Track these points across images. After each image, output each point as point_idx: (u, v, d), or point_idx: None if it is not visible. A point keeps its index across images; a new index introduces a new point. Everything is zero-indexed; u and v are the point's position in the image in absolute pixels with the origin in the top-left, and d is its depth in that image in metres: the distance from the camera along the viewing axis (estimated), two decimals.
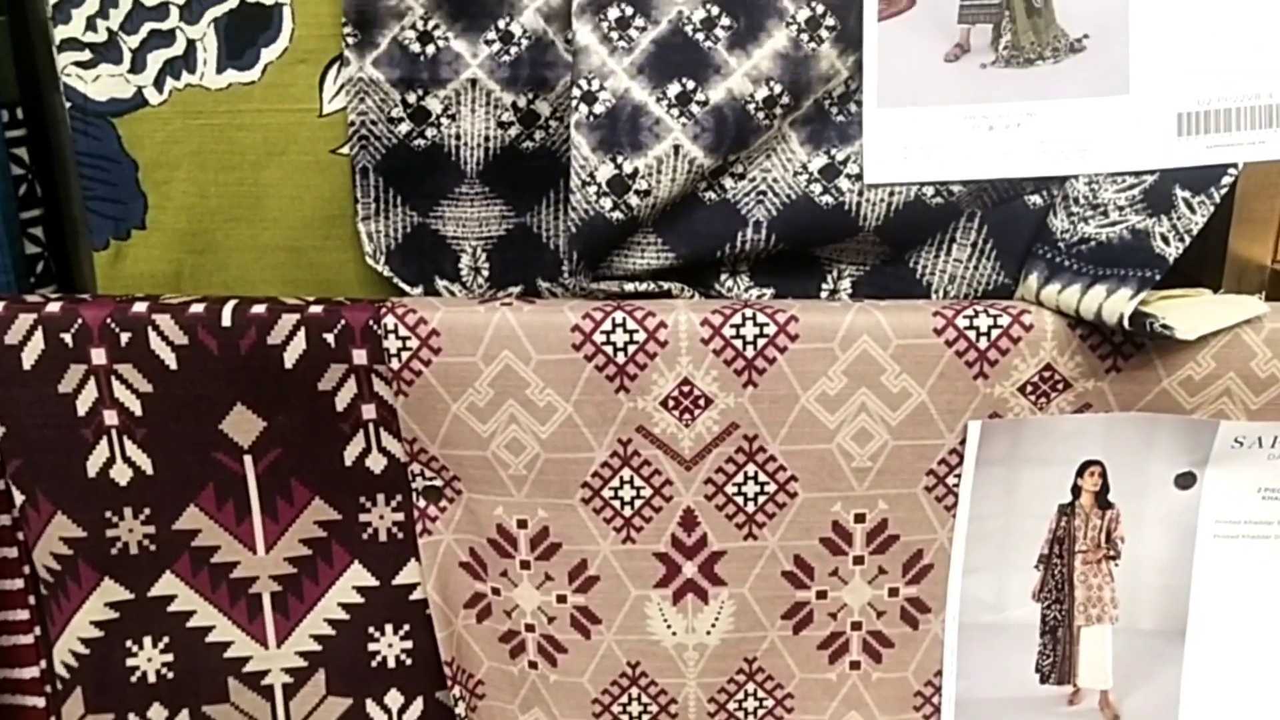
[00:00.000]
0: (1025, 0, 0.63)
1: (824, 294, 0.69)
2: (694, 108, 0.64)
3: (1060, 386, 0.64)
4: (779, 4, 0.63)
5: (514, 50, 0.66)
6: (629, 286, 0.67)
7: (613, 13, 0.64)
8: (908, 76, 0.64)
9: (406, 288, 0.69)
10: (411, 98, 0.66)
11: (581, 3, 0.63)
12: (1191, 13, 0.61)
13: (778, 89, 0.64)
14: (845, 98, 0.66)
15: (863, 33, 0.63)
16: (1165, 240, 0.60)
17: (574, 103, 0.64)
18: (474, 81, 0.66)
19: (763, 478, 0.65)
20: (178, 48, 0.64)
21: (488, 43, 0.65)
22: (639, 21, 0.64)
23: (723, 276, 0.69)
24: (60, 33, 0.64)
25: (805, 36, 0.64)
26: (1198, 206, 0.60)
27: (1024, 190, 0.66)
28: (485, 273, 0.70)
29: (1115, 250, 0.62)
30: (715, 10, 0.64)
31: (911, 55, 0.64)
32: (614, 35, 0.64)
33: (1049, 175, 0.64)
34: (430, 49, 0.65)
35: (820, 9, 0.63)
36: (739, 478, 0.66)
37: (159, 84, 0.64)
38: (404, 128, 0.66)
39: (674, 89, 0.64)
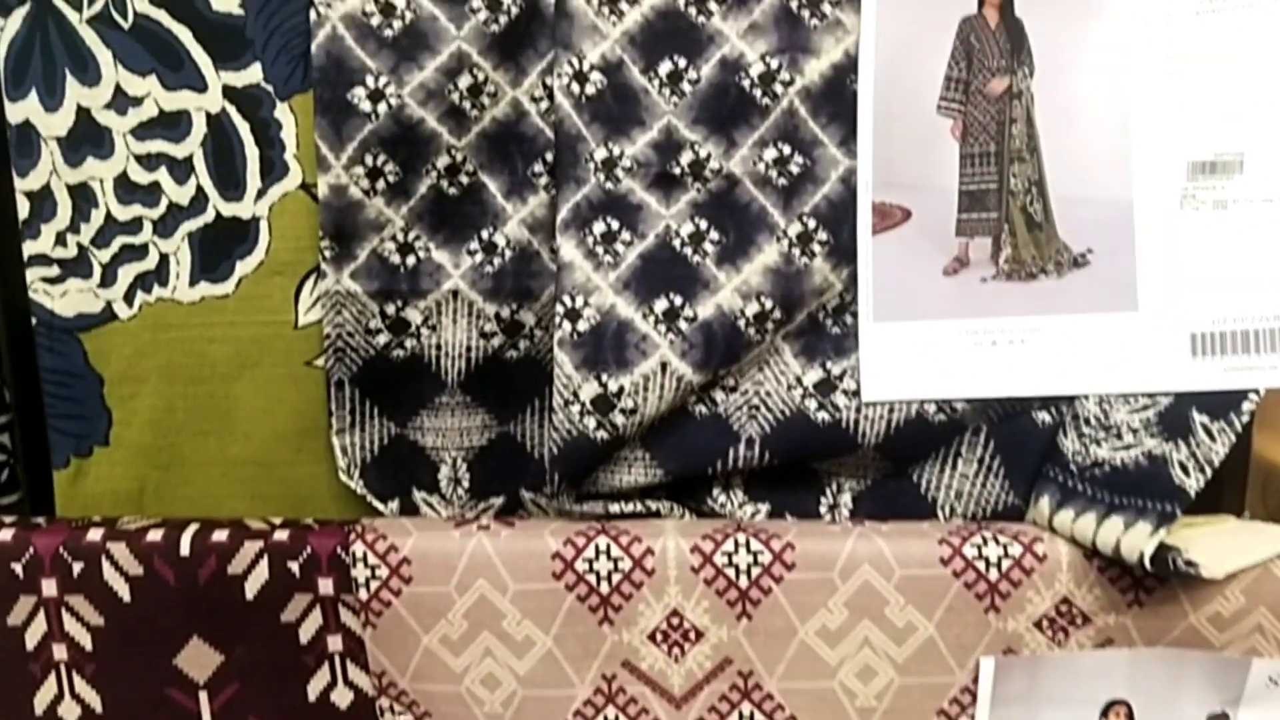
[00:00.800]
0: (1025, 213, 0.61)
1: (823, 508, 0.65)
2: (682, 324, 0.61)
3: (1079, 621, 0.59)
4: (769, 219, 0.61)
5: (497, 261, 0.63)
6: (614, 507, 0.63)
7: (598, 227, 0.62)
8: (904, 290, 0.61)
9: (380, 506, 0.66)
10: (390, 309, 0.63)
11: (566, 217, 0.62)
12: (1201, 227, 0.59)
13: (769, 304, 0.61)
14: (840, 310, 0.63)
15: (856, 246, 0.61)
16: (1185, 470, 0.56)
17: (557, 319, 0.61)
18: (455, 292, 0.64)
19: (759, 717, 0.61)
20: (150, 262, 0.62)
21: (470, 253, 0.63)
22: (625, 236, 0.62)
23: (715, 491, 0.65)
24: (29, 248, 0.62)
25: (797, 251, 0.61)
26: (1218, 434, 0.57)
27: (1031, 407, 0.62)
28: (466, 484, 0.67)
29: (1131, 477, 0.58)
30: (704, 225, 0.62)
31: (908, 269, 0.61)
32: (599, 250, 0.62)
33: (1057, 395, 0.61)
34: (410, 260, 0.63)
35: (812, 224, 0.61)
36: (733, 717, 0.61)
37: (129, 298, 0.62)
38: (382, 339, 0.64)
39: (661, 305, 0.61)
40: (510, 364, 0.65)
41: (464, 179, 0.63)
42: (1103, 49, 0.60)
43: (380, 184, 0.62)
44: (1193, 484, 0.57)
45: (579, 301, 0.61)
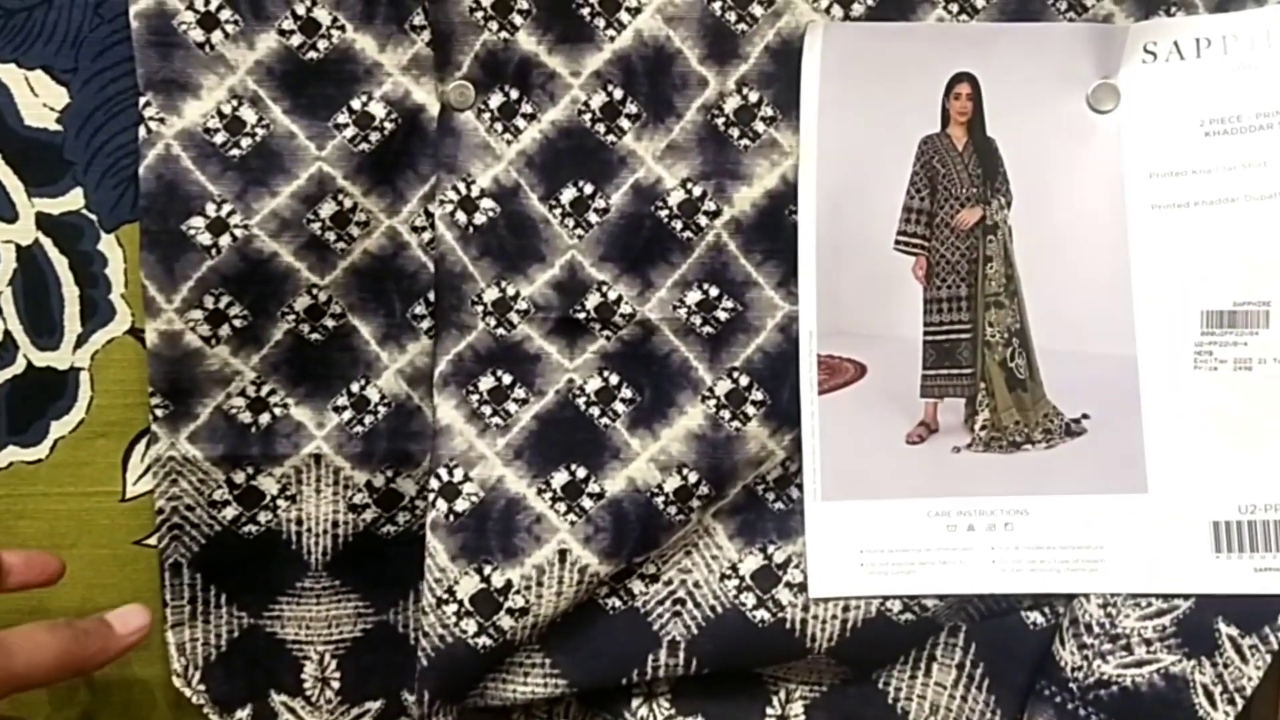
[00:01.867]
0: (1005, 369, 0.51)
1: None
2: (586, 501, 0.50)
3: None
4: (692, 375, 0.51)
5: (369, 420, 0.53)
6: None
7: (485, 383, 0.51)
8: (859, 462, 0.50)
9: (226, 717, 0.54)
10: (239, 477, 0.52)
11: (445, 371, 0.51)
12: (1220, 392, 0.49)
13: (693, 477, 0.50)
14: (784, 481, 0.52)
15: (799, 408, 0.51)
16: (1210, 697, 0.45)
17: (430, 496, 0.50)
18: (319, 457, 0.53)
19: None
20: None
21: (337, 410, 0.53)
22: (518, 393, 0.51)
23: (635, 703, 0.53)
24: None
25: (726, 414, 0.51)
26: (1249, 653, 0.45)
27: (1020, 605, 0.51)
28: (336, 684, 0.55)
29: (1146, 703, 0.46)
30: (614, 381, 0.51)
31: (863, 436, 0.50)
32: (486, 411, 0.51)
33: (1050, 593, 0.50)
34: (264, 418, 0.52)
35: (745, 380, 0.51)
36: None
37: None
38: (230, 512, 0.52)
39: (560, 479, 0.50)
40: (386, 541, 0.54)
41: (329, 323, 0.53)
42: (1094, 174, 0.50)
43: (224, 330, 0.51)
44: (1221, 717, 0.45)
45: (458, 474, 0.50)
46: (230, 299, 0.51)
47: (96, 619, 0.48)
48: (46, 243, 0.51)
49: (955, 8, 0.49)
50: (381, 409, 0.52)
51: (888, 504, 0.50)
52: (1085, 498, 0.49)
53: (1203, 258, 0.49)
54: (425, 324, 0.52)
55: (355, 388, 0.53)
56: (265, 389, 0.52)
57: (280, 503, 0.53)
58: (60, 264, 0.51)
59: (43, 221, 0.51)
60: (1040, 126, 0.50)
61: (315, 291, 0.52)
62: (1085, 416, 0.50)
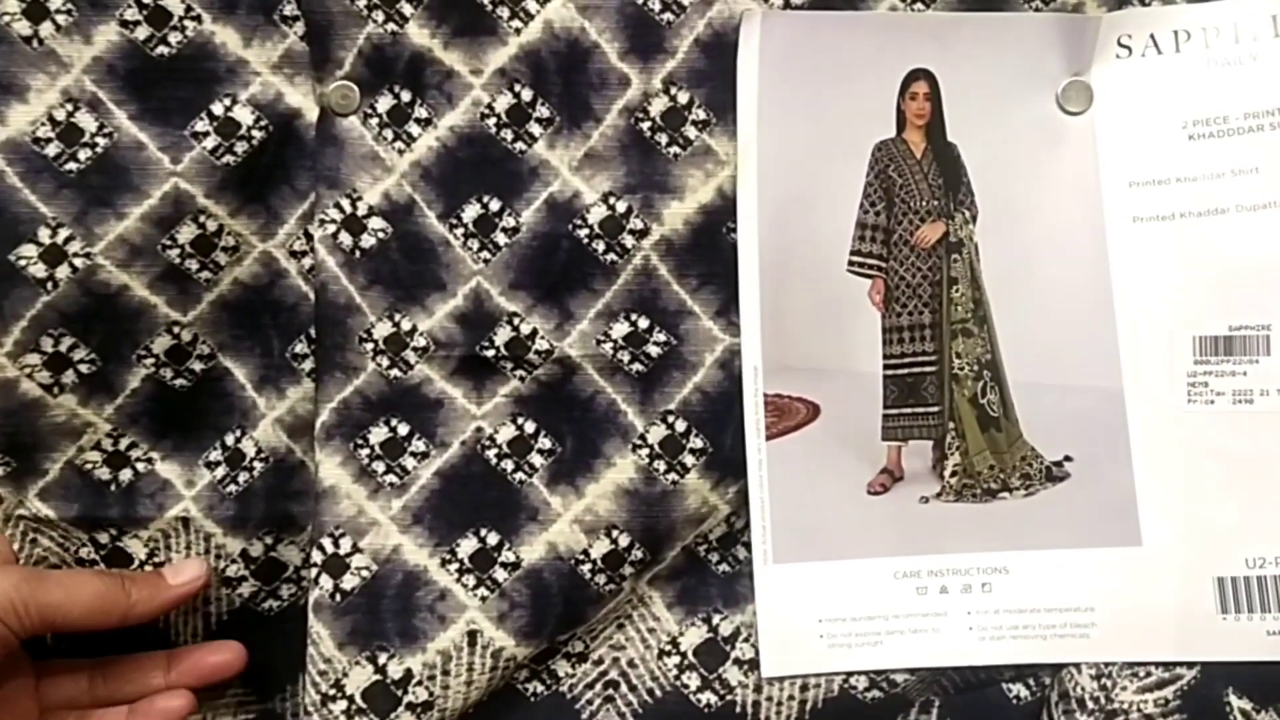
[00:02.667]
0: (976, 406, 0.44)
1: None
2: (499, 573, 0.43)
3: None
4: (621, 420, 0.44)
5: (244, 478, 0.45)
6: None
7: (377, 434, 0.44)
8: (815, 517, 0.43)
9: None
10: (104, 538, 0.45)
11: (329, 421, 0.44)
12: (1218, 428, 0.43)
13: (624, 540, 0.43)
14: (729, 540, 0.45)
15: (744, 456, 0.44)
16: None
17: (314, 572, 0.43)
18: (186, 521, 0.45)
19: None
20: None
21: (209, 465, 0.45)
22: (417, 445, 0.44)
23: None
24: None
25: (661, 465, 0.44)
26: None
27: (1001, 676, 0.45)
28: None
29: None
30: (530, 428, 0.44)
31: (818, 486, 0.43)
32: (377, 467, 0.43)
33: (1035, 663, 0.44)
34: (125, 475, 0.44)
35: (681, 425, 0.44)
36: None
37: None
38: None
39: (468, 546, 0.43)
40: (268, 618, 0.46)
41: (196, 365, 0.45)
42: (1067, 183, 0.44)
43: (68, 377, 0.43)
44: None
45: (345, 544, 0.43)
46: (73, 340, 0.43)
47: (149, 571, 0.45)
48: None
49: None
50: (258, 465, 0.45)
51: (848, 565, 0.43)
52: (1072, 552, 0.43)
53: (1192, 276, 0.43)
54: (308, 365, 0.45)
55: (229, 440, 0.45)
56: (124, 442, 0.44)
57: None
58: None
59: None
60: (1006, 130, 0.44)
61: (177, 330, 0.44)
62: (1068, 459, 0.44)
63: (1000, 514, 0.43)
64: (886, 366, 0.44)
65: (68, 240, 0.42)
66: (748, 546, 0.44)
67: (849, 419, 0.44)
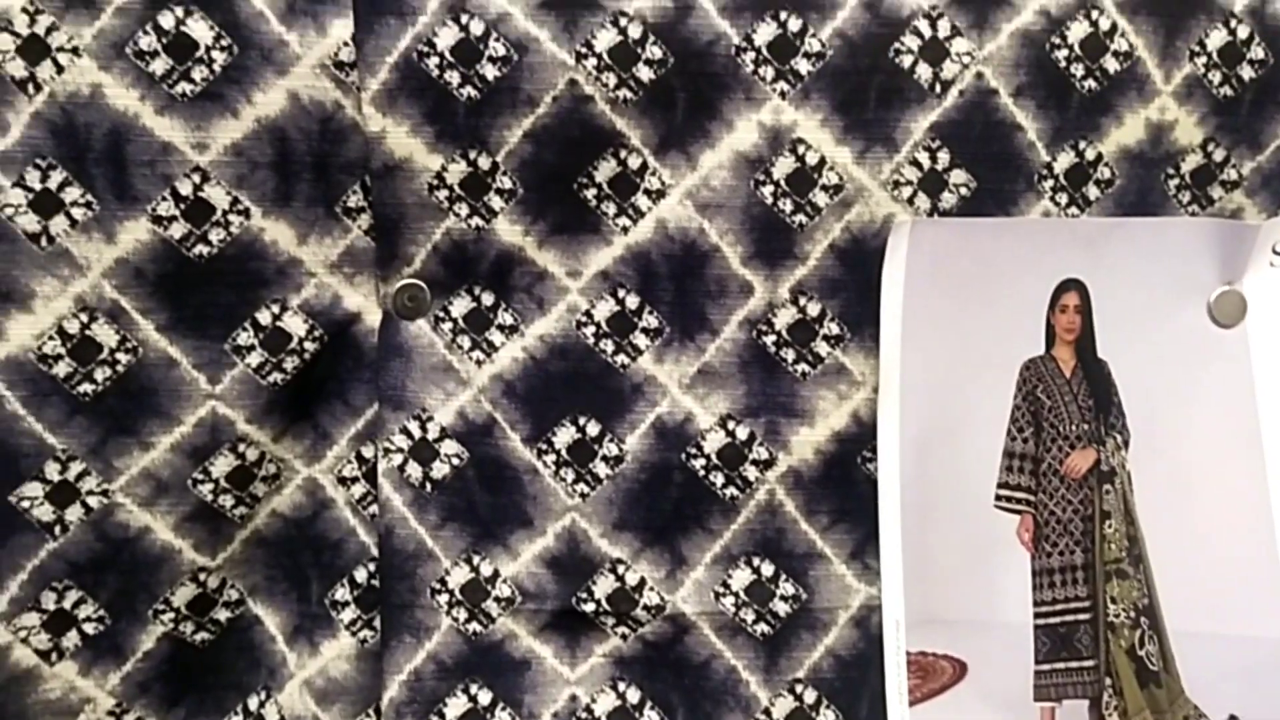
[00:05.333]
0: (1134, 659, 0.39)
1: None
2: None
3: None
4: (741, 692, 0.37)
5: None
6: None
7: (455, 707, 0.36)
8: None
9: None
10: None
11: (399, 698, 0.35)
12: None
13: None
14: None
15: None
16: None
17: None
18: None
19: None
20: None
21: None
22: (502, 717, 0.37)
23: None
24: None
25: None
26: None
27: None
28: None
29: None
30: (634, 696, 0.36)
31: None
32: None
33: None
34: None
35: (811, 696, 0.37)
36: None
37: None
38: None
39: None
40: None
41: (221, 615, 0.37)
42: (1221, 403, 0.39)
43: (70, 639, 0.35)
44: None
45: None
46: (80, 594, 0.35)
47: None
48: None
49: (1064, 198, 0.39)
50: None
51: None
52: None
53: None
54: (348, 614, 0.38)
55: (252, 703, 0.37)
56: (129, 718, 0.36)
57: None
58: None
59: None
60: (1157, 344, 0.40)
61: (204, 577, 0.37)
62: (1234, 718, 0.39)
63: None
64: (1037, 615, 0.39)
65: (80, 476, 0.34)
66: None
67: (998, 678, 0.38)
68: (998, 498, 0.39)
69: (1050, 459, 0.39)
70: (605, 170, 0.37)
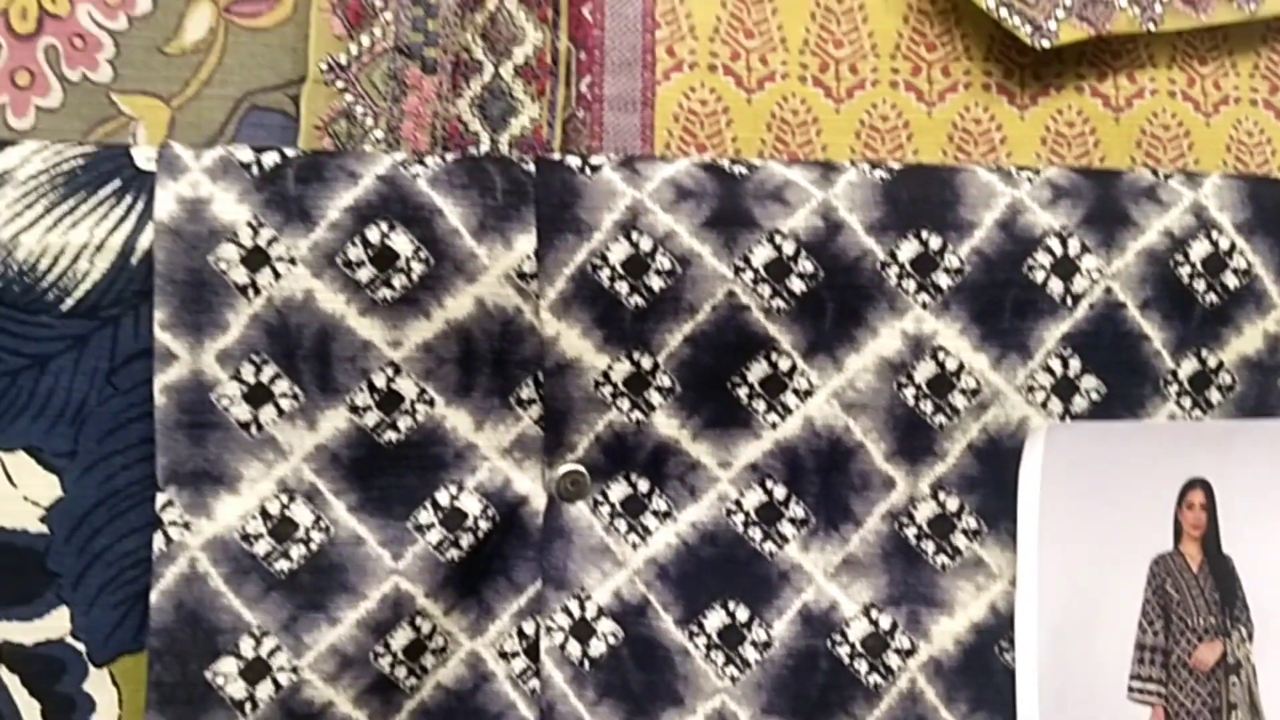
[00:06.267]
0: None
1: None
2: None
3: None
4: None
5: None
6: None
7: None
8: None
9: None
10: None
11: None
12: None
13: None
14: None
15: None
16: None
17: None
18: None
19: None
20: None
21: None
22: None
23: None
24: None
25: None
26: None
27: None
28: None
29: None
30: None
31: None
32: None
33: None
34: None
35: None
36: None
37: None
38: None
39: None
40: None
41: None
42: None
43: None
44: None
45: None
46: None
47: None
48: (11, 681, 0.37)
49: (1188, 402, 0.41)
50: None
51: None
52: None
53: None
54: None
55: None
56: None
57: None
58: (29, 710, 0.38)
59: (10, 654, 0.37)
60: (1277, 541, 0.42)
61: None
62: None
63: None
64: None
65: (273, 652, 0.37)
66: None
67: None
68: (1130, 689, 0.40)
69: (1179, 651, 0.41)
70: (757, 371, 0.40)
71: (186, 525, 0.37)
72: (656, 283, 0.39)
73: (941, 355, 0.40)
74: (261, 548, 0.38)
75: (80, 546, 0.37)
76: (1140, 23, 0.44)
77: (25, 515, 0.37)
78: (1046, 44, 0.44)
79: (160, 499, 0.37)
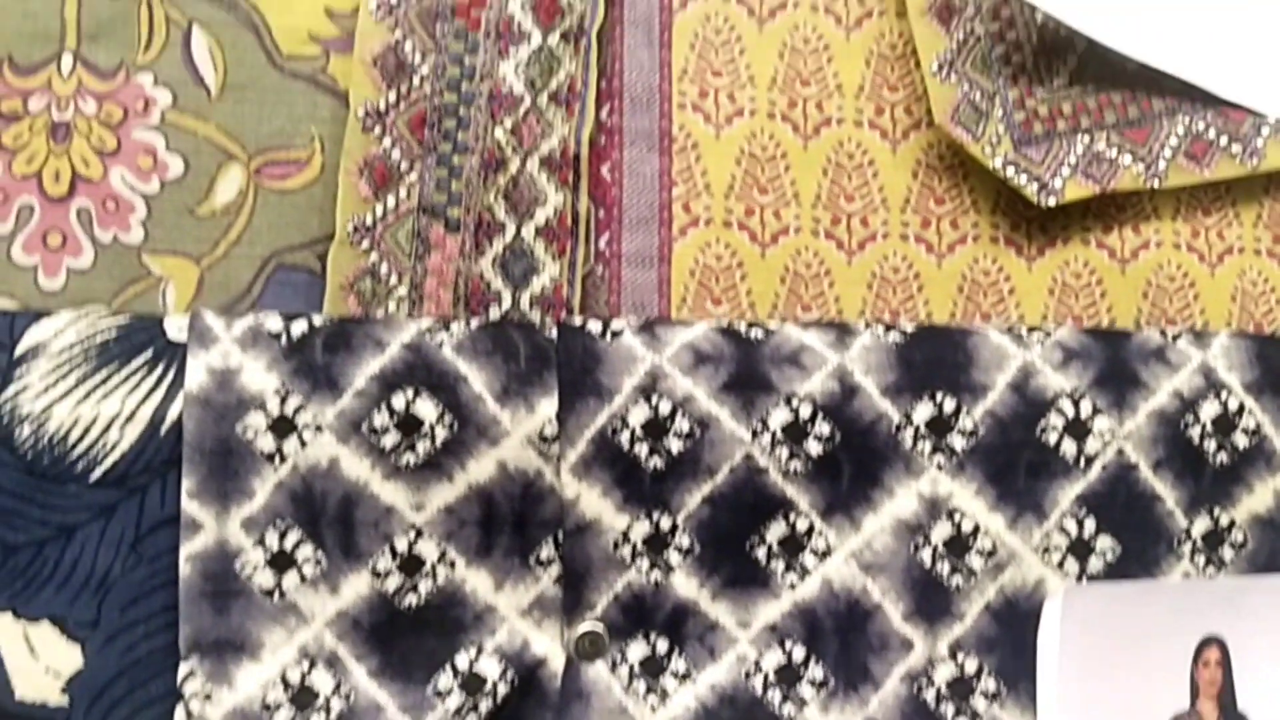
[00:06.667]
0: None
1: None
2: None
3: None
4: None
5: None
6: None
7: None
8: None
9: None
10: None
11: None
12: None
13: None
14: None
15: None
16: None
17: None
18: None
19: None
20: None
21: None
22: None
23: None
24: None
25: None
26: None
27: None
28: None
29: None
30: None
31: None
32: None
33: None
34: None
35: None
36: None
37: None
38: None
39: None
40: None
41: None
42: None
43: None
44: None
45: None
46: None
47: None
48: None
49: (1202, 559, 0.42)
50: None
51: None
52: None
53: None
54: None
55: None
56: None
57: None
58: None
59: None
60: None
61: None
62: None
63: None
64: None
65: None
66: None
67: None
68: None
69: None
70: (776, 531, 0.40)
71: (208, 696, 0.37)
72: (675, 445, 0.40)
73: (957, 516, 0.41)
74: (282, 718, 0.38)
75: (100, 718, 0.37)
76: (1144, 179, 0.46)
77: (47, 688, 0.37)
78: (1053, 202, 0.45)
79: (182, 669, 0.37)
